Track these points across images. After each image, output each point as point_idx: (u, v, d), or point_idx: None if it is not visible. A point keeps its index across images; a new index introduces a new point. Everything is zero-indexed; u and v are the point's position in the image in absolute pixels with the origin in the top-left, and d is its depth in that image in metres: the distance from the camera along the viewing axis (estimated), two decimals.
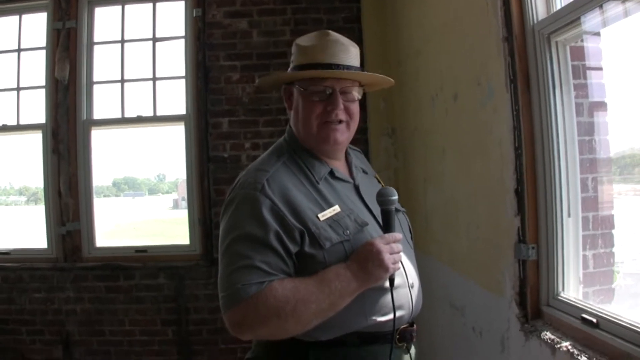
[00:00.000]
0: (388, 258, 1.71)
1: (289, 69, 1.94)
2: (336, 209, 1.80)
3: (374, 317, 1.77)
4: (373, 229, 1.83)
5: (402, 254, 1.81)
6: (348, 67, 1.85)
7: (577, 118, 2.24)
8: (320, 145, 1.89)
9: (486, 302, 2.81)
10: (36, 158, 5.12)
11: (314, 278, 1.70)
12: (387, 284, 1.76)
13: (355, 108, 1.90)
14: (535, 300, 2.39)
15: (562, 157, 2.25)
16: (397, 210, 1.93)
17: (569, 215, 2.26)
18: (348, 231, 1.77)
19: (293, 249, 1.73)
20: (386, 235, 1.77)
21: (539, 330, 2.26)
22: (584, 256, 2.25)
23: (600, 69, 2.25)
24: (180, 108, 5.04)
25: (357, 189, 1.95)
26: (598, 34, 2.15)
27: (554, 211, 2.29)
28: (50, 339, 4.93)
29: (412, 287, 1.89)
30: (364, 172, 2.09)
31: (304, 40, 1.91)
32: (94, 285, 4.89)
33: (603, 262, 2.23)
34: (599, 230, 2.25)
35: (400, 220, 1.98)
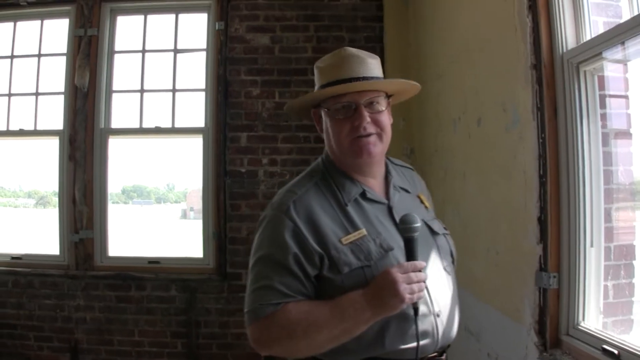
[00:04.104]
0: (404, 288, 1.65)
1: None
2: (362, 232, 1.77)
3: (392, 345, 1.73)
4: (400, 253, 1.77)
5: (431, 281, 1.77)
6: (365, 79, 1.81)
7: (603, 148, 2.24)
8: (355, 160, 1.85)
9: (503, 329, 2.79)
10: (50, 163, 5.14)
11: (330, 303, 1.69)
12: (411, 312, 1.71)
13: (384, 119, 1.85)
14: (554, 329, 2.37)
15: (587, 186, 2.25)
16: (437, 233, 1.94)
17: (591, 245, 2.25)
18: (370, 256, 1.74)
19: (312, 272, 1.73)
20: (405, 263, 1.70)
21: (557, 359, 2.24)
22: (605, 286, 2.23)
23: (626, 97, 2.24)
24: (199, 120, 5.06)
25: (389, 210, 1.89)
26: (625, 64, 2.16)
27: (577, 241, 2.28)
28: (59, 346, 4.93)
29: (438, 315, 1.81)
30: (407, 191, 2.02)
31: (322, 62, 1.90)
32: (105, 295, 4.90)
33: (624, 292, 2.21)
34: (621, 261, 2.23)
35: (441, 244, 1.94)
